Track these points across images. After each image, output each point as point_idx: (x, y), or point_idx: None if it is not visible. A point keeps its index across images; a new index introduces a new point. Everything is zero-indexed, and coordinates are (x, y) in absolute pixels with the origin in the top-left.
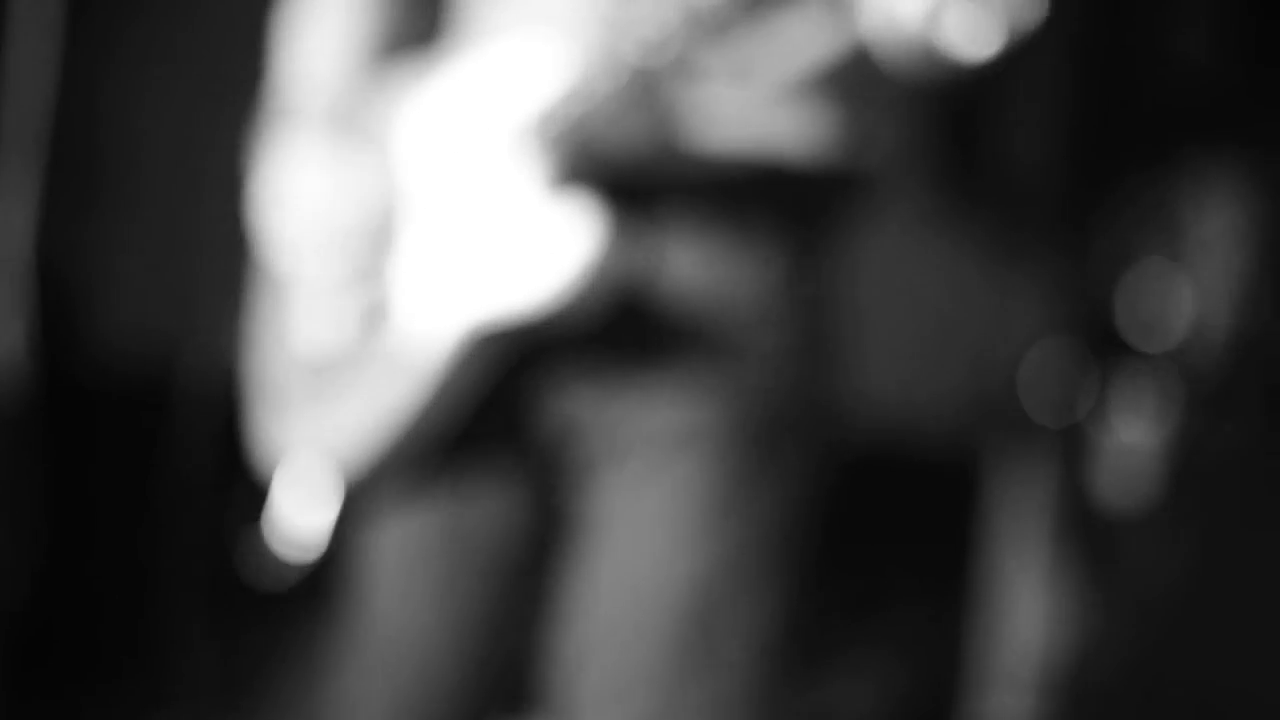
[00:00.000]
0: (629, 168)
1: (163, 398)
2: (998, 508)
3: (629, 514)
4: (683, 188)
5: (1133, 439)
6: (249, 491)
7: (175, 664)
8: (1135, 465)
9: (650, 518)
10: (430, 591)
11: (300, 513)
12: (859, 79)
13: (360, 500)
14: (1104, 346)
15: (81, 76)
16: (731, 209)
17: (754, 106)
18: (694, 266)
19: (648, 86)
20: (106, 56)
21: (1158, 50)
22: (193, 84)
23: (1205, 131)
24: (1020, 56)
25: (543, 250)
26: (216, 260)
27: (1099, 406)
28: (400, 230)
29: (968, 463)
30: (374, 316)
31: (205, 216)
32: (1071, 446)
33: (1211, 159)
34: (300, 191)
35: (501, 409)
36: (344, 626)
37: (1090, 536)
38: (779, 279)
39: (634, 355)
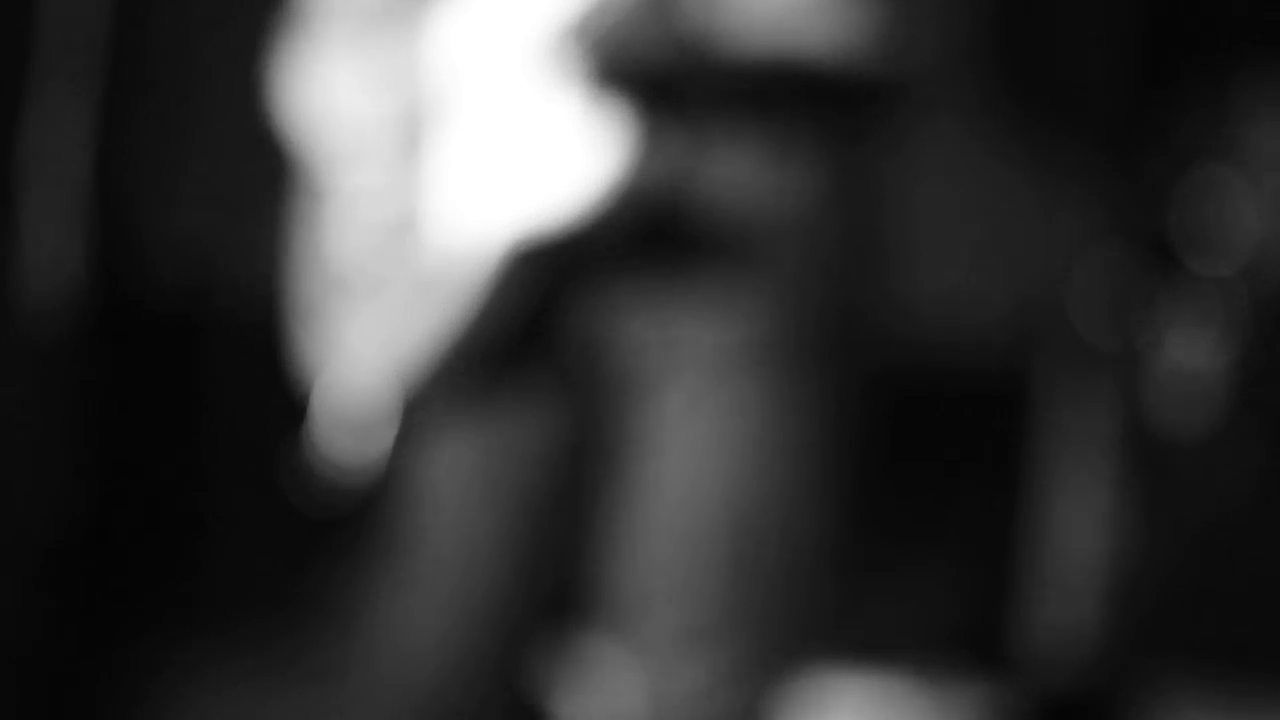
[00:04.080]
0: (661, 73)
1: (214, 318)
2: (1052, 429)
3: (678, 431)
4: (717, 93)
5: (1190, 359)
6: (296, 409)
7: (226, 582)
8: (1193, 386)
9: (699, 435)
10: (478, 510)
11: (349, 434)
12: None
13: (408, 421)
14: (1162, 264)
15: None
16: (767, 115)
17: (790, 6)
18: (730, 175)
19: None
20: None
21: None
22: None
23: (1266, 42)
24: None
25: (576, 161)
26: (270, 179)
27: (1156, 326)
28: (433, 140)
29: (1021, 383)
30: (410, 231)
31: (258, 136)
32: (1127, 367)
33: (1272, 71)
34: (332, 99)
35: (545, 325)
36: (395, 549)
37: (1146, 459)
38: (818, 188)
39: (677, 270)
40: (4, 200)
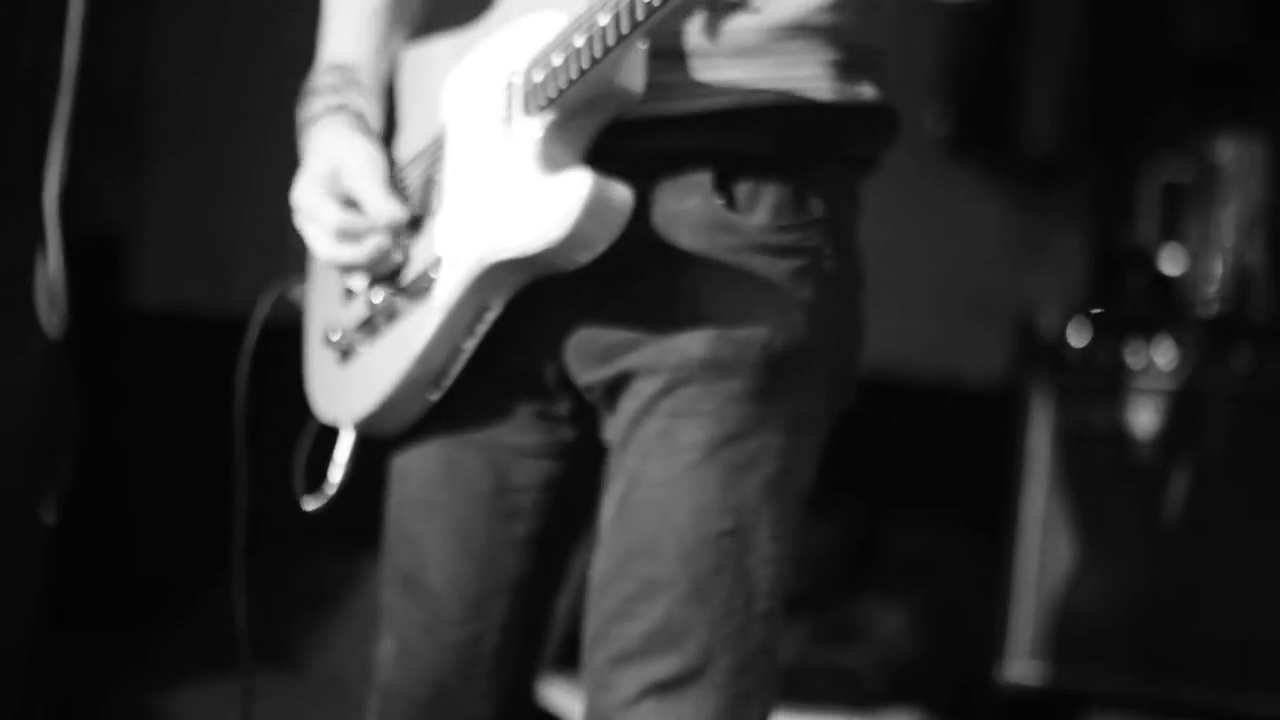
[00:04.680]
0: (641, 99)
1: (211, 330)
2: (1023, 446)
3: (650, 439)
4: (695, 119)
5: (1151, 368)
6: (293, 422)
7: (214, 591)
8: (1153, 394)
9: (669, 442)
10: (457, 521)
11: (341, 443)
12: (875, 9)
13: (388, 432)
14: (1128, 286)
15: (124, 28)
16: (745, 141)
17: (768, 37)
18: (710, 198)
19: (653, 19)
20: (148, 9)
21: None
22: (232, 35)
23: (1229, 73)
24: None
25: (550, 181)
26: (260, 198)
27: (1122, 345)
28: (437, 187)
29: (997, 403)
30: (401, 249)
31: (249, 154)
32: (1094, 382)
33: (1235, 99)
34: (329, 164)
35: (517, 337)
36: (384, 558)
37: (1108, 472)
38: (796, 211)
39: (652, 285)
40: (18, 214)
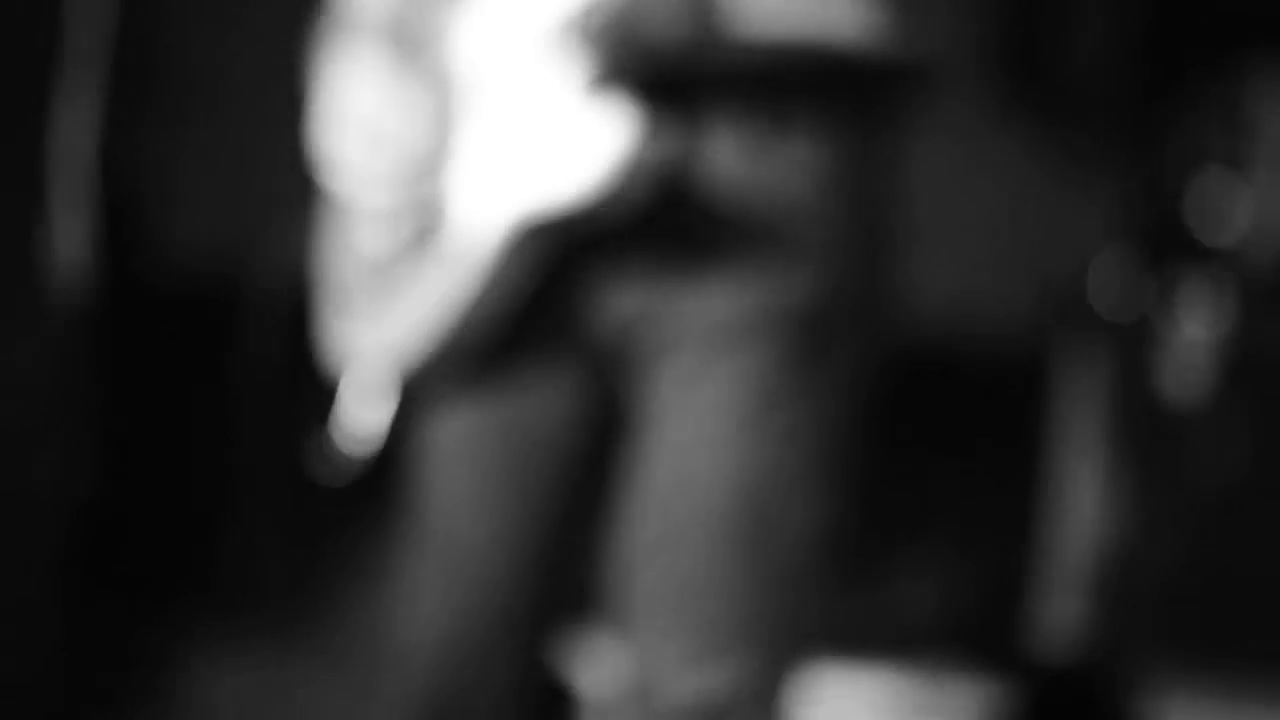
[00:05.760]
0: (671, 57)
1: (228, 301)
2: (1060, 404)
3: (683, 407)
4: (727, 77)
5: (1193, 335)
6: (312, 390)
7: (241, 564)
8: (1195, 361)
9: (704, 411)
10: (486, 486)
11: (362, 409)
12: None
13: (418, 396)
14: (1166, 243)
15: None
16: (777, 99)
17: None
18: (739, 157)
19: None
20: None
21: None
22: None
23: (1272, 30)
24: None
25: (586, 142)
26: (280, 165)
27: (1160, 303)
28: (455, 133)
29: (1031, 359)
30: (430, 217)
31: (269, 122)
32: (1132, 342)
33: (1275, 60)
34: (357, 103)
35: (553, 302)
36: (405, 522)
37: (1149, 432)
38: (828, 170)
39: (683, 247)
40: (23, 186)
